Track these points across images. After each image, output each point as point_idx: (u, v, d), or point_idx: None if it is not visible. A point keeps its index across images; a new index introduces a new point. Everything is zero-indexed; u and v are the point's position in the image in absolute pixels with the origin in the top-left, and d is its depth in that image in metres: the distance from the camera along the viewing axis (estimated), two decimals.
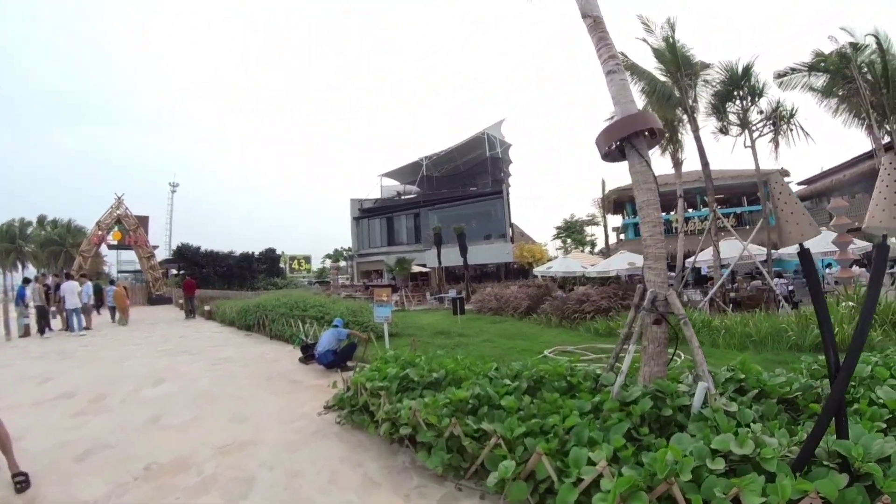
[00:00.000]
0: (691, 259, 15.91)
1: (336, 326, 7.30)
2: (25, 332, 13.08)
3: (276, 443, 4.03)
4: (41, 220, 46.49)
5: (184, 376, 6.88)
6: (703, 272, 21.66)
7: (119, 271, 40.88)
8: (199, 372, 7.19)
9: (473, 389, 3.80)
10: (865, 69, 13.19)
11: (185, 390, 6.04)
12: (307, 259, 60.36)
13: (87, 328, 14.11)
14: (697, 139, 14.13)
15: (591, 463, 2.57)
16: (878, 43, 13.31)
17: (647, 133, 4.24)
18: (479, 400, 3.74)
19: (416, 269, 28.76)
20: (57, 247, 42.81)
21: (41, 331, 13.21)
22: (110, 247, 36.51)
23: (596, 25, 4.46)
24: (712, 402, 3.22)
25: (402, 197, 39.25)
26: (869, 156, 23.50)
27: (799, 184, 31.24)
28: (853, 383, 3.50)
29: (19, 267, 44.19)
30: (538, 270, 19.76)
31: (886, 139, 13.49)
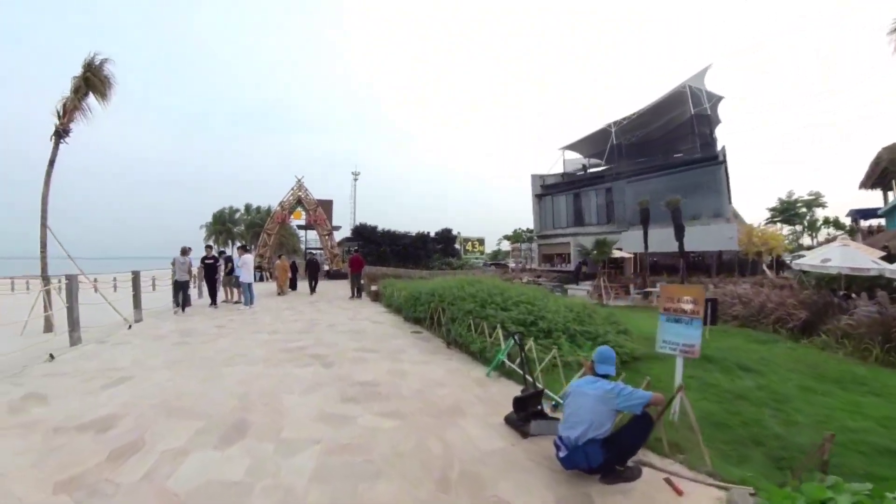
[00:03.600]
0: None
1: (605, 374, 3.32)
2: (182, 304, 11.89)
3: None
4: (247, 207, 54.88)
5: (279, 430, 3.88)
6: None
7: (307, 248, 44.23)
8: (310, 420, 4.15)
9: None
10: None
11: (252, 489, 2.95)
12: (481, 241, 59.19)
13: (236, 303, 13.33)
14: None
15: None
16: None
17: None
18: None
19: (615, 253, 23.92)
20: (258, 229, 48.59)
21: (182, 306, 11.79)
22: (299, 227, 39.61)
23: None
24: None
25: (589, 170, 34.04)
26: None
27: None
28: None
29: (229, 244, 51.57)
30: (805, 262, 13.67)
31: None
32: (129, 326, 9.17)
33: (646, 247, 18.81)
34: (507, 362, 5.55)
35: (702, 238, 21.39)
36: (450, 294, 8.73)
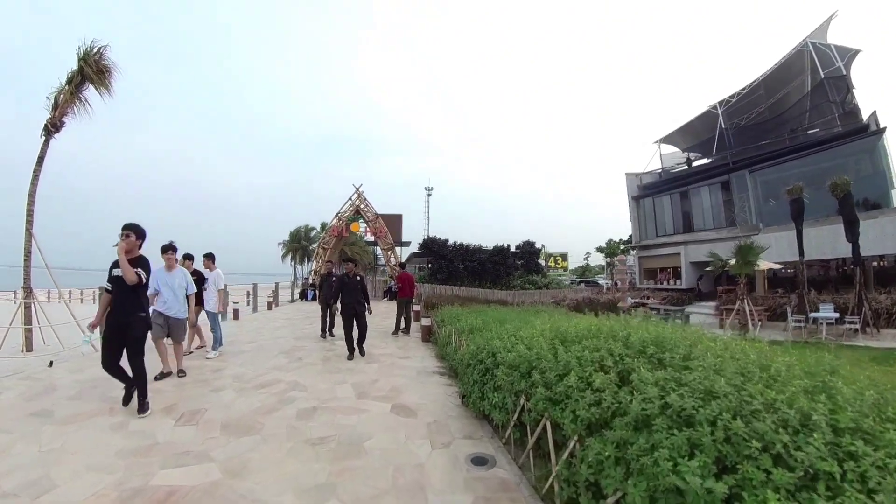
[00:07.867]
0: None
1: None
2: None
3: None
4: (323, 226, 54.57)
5: None
6: None
7: (377, 264, 42.52)
8: None
9: None
10: None
11: None
12: (563, 256, 54.29)
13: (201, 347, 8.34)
14: None
15: None
16: None
17: None
18: None
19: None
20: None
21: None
22: (369, 243, 37.83)
23: None
24: None
25: (694, 164, 28.18)
26: None
27: None
28: None
29: (305, 261, 52.17)
30: None
31: None
32: (51, 363, 6.93)
33: (801, 252, 13.45)
34: None
35: (872, 237, 15.64)
36: (574, 385, 2.70)
